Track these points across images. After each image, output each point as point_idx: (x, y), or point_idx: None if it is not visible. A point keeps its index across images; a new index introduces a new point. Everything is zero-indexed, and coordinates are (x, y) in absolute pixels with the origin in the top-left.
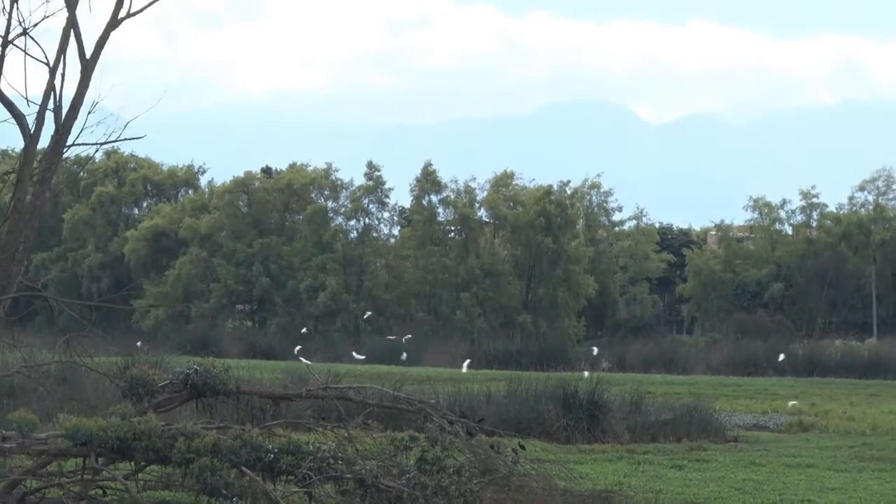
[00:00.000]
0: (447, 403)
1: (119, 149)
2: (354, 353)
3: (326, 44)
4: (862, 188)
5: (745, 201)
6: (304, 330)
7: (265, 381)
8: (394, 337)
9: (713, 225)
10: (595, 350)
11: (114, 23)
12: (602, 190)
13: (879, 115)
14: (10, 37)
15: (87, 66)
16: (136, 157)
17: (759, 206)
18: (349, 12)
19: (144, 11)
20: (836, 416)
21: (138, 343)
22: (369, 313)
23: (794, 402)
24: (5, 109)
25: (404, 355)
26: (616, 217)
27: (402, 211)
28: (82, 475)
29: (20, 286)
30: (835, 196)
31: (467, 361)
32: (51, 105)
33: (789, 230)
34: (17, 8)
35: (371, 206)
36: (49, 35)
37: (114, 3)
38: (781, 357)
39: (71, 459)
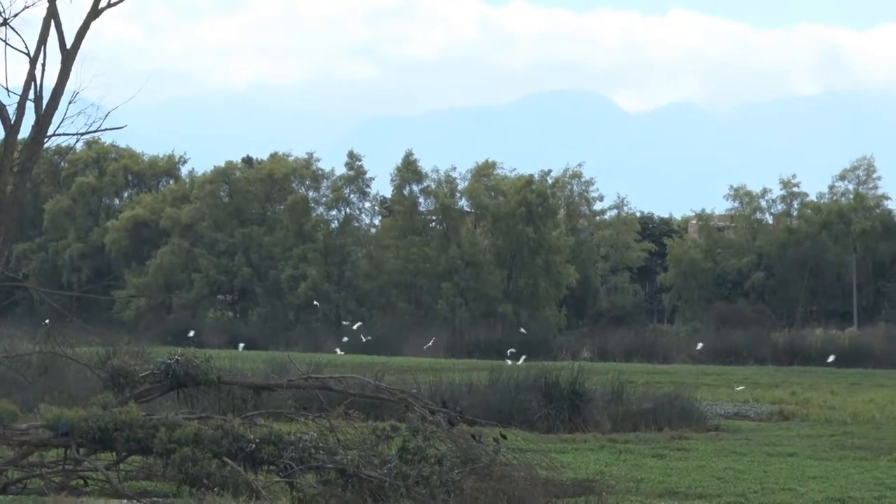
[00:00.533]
0: (428, 393)
1: (100, 139)
2: (362, 336)
3: (307, 34)
4: (842, 177)
5: (725, 190)
6: (354, 326)
7: (246, 371)
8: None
9: (694, 214)
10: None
11: (94, 13)
12: (583, 179)
13: (860, 105)
14: None
15: (68, 57)
16: (117, 147)
17: (740, 195)
18: (329, 2)
19: (125, 1)
20: (816, 405)
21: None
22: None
23: (741, 388)
24: None
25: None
26: (597, 206)
27: (384, 201)
28: (63, 466)
29: (1, 276)
30: (815, 185)
31: (522, 357)
32: (31, 95)
33: (770, 219)
34: None
35: (352, 195)
36: (29, 25)
37: None
38: (699, 346)
39: (52, 450)
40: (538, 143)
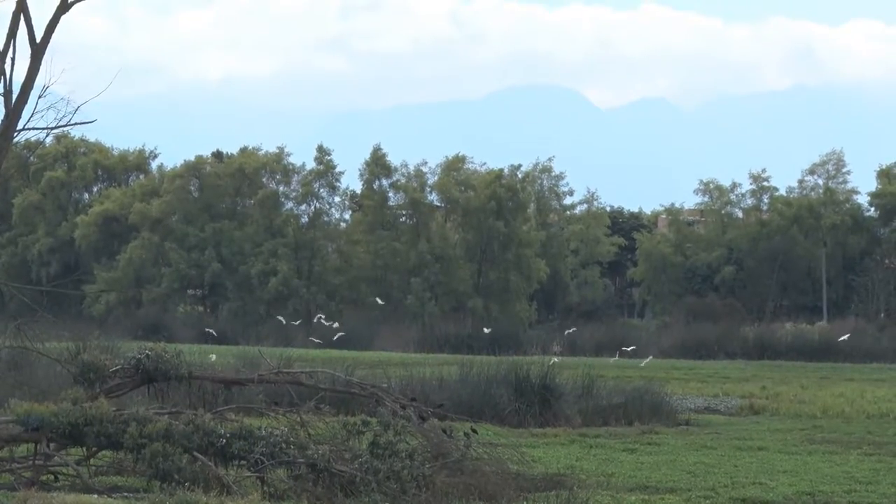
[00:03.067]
0: (399, 388)
1: (69, 133)
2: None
3: (278, 28)
4: (812, 172)
5: (695, 185)
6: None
7: (217, 366)
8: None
9: (664, 208)
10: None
11: (64, 7)
12: (553, 174)
13: (830, 100)
14: None
15: (38, 51)
16: (87, 141)
17: (710, 189)
18: None
19: None
20: (786, 399)
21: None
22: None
23: (649, 359)
24: None
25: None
26: (567, 201)
27: (353, 195)
28: (34, 461)
29: None
30: (785, 180)
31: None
32: (0, 90)
33: (740, 214)
34: None
35: (322, 190)
36: None
37: None
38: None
39: (23, 445)
40: (508, 137)
